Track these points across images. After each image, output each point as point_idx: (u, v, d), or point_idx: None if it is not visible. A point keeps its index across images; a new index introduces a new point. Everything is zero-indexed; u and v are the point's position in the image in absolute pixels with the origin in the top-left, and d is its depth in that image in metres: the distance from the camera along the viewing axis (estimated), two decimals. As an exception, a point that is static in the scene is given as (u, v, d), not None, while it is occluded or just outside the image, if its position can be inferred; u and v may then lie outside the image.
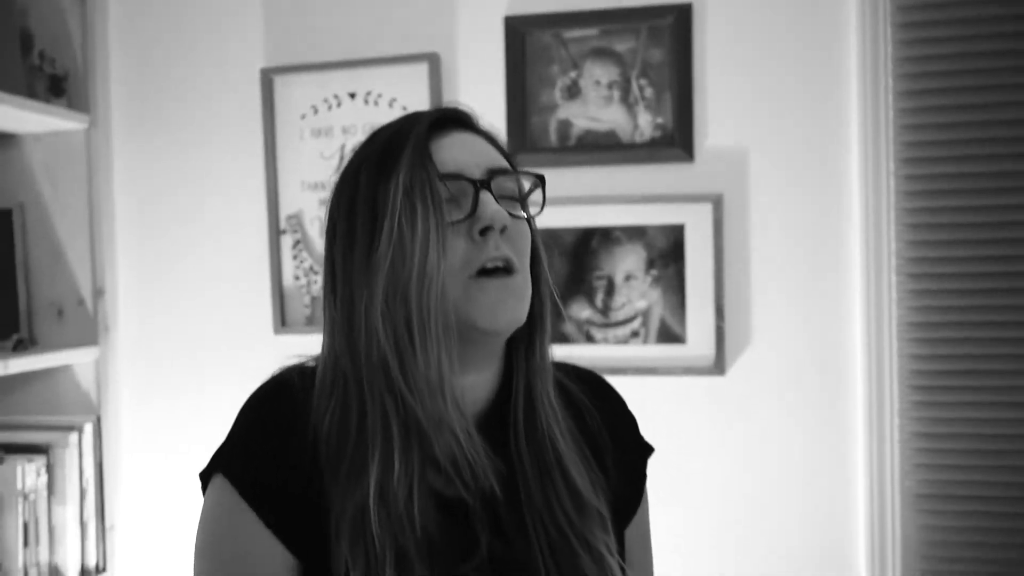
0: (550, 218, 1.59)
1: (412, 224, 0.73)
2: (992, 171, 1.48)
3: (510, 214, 0.77)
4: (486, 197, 0.75)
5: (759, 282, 1.56)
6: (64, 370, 1.74)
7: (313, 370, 0.81)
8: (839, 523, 1.53)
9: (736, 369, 1.56)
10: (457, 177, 0.76)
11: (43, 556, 1.61)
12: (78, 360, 1.70)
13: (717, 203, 1.54)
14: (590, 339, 1.60)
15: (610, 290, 1.59)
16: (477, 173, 0.77)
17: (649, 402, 1.58)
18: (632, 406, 1.57)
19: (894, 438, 1.49)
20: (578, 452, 0.85)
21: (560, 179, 1.61)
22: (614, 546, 0.83)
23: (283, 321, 1.70)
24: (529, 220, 0.83)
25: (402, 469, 0.73)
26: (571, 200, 1.59)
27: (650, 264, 1.58)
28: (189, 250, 1.77)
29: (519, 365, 0.83)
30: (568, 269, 1.60)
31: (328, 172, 1.67)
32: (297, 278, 1.70)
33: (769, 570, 1.55)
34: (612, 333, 1.59)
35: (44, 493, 1.62)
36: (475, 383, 0.81)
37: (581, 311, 1.60)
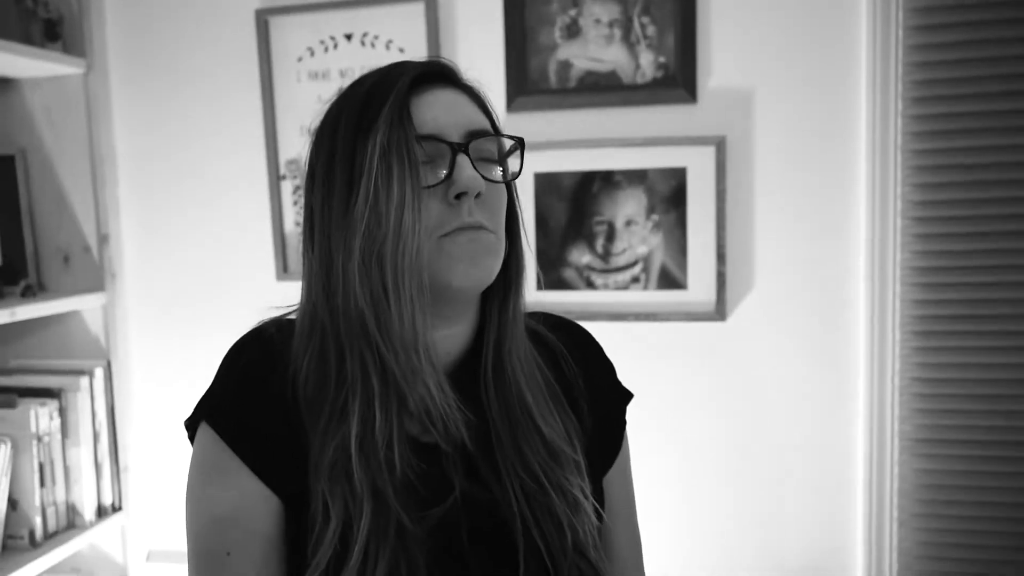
0: (550, 162, 1.57)
1: (388, 186, 0.73)
2: (1002, 110, 1.43)
3: (486, 178, 0.78)
4: (463, 161, 0.76)
5: (762, 227, 1.53)
6: (73, 315, 1.77)
7: (291, 322, 0.83)
8: (838, 468, 1.54)
9: (737, 315, 1.55)
10: (435, 139, 0.76)
11: (60, 496, 1.67)
12: (85, 306, 1.73)
13: (720, 146, 1.51)
14: (590, 285, 1.59)
15: (611, 235, 1.58)
16: (455, 135, 0.77)
17: (649, 348, 1.59)
18: (632, 352, 1.58)
19: (895, 383, 1.48)
20: (553, 400, 0.87)
21: (560, 122, 1.58)
22: (588, 490, 0.84)
23: (285, 268, 1.71)
24: (507, 182, 0.83)
25: (383, 418, 0.76)
26: (571, 143, 1.56)
27: (651, 209, 1.56)
28: (191, 197, 1.77)
29: (491, 320, 0.85)
30: (568, 214, 1.58)
31: (326, 116, 1.65)
32: (298, 224, 1.70)
33: (767, 515, 1.57)
34: (612, 279, 1.58)
35: (58, 436, 1.66)
36: (448, 335, 0.83)
37: (581, 257, 1.59)
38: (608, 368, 0.98)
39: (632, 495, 1.00)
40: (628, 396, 0.99)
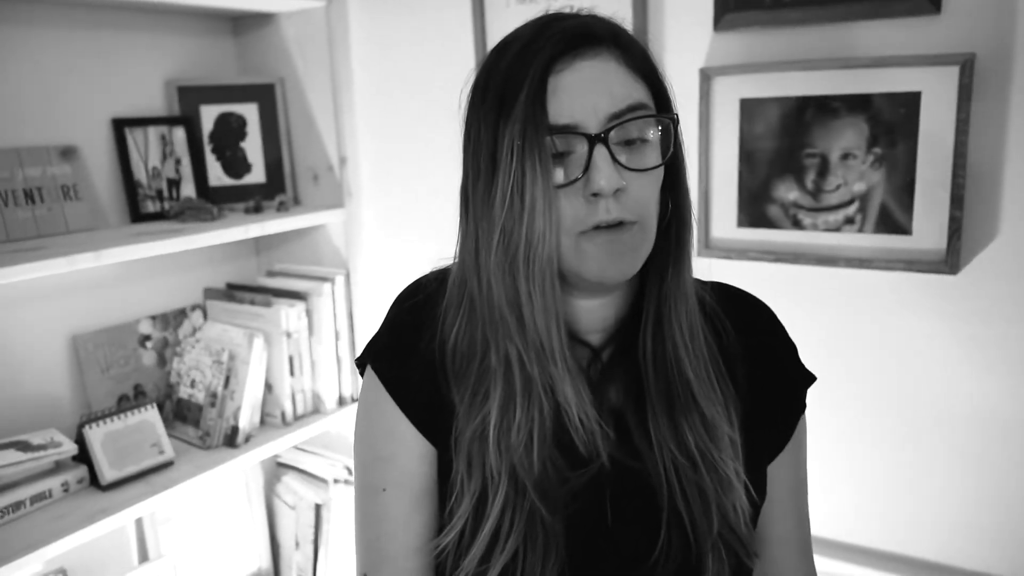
0: (758, 87, 1.42)
1: (521, 189, 0.72)
2: None
3: (629, 168, 0.73)
4: (599, 156, 0.72)
5: (1015, 164, 1.26)
6: (321, 228, 1.99)
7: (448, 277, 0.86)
8: (1088, 458, 1.28)
9: (973, 268, 1.32)
10: (570, 131, 0.72)
11: (307, 385, 1.93)
12: (328, 220, 1.93)
13: (966, 65, 1.25)
14: (797, 224, 1.44)
15: (823, 170, 1.40)
16: (594, 122, 0.73)
17: (861, 299, 1.42)
18: (840, 302, 1.44)
19: None
20: (715, 371, 0.83)
21: (772, 41, 1.41)
22: (742, 471, 0.81)
23: (492, 192, 1.76)
24: (658, 165, 0.77)
25: (523, 417, 0.77)
26: (783, 65, 1.39)
27: (873, 140, 1.35)
28: (415, 123, 1.86)
29: (651, 289, 0.82)
30: (776, 145, 1.43)
31: (532, 40, 1.63)
32: (505, 149, 1.72)
33: (1000, 499, 1.36)
34: (823, 219, 1.42)
35: (305, 333, 1.91)
36: (604, 304, 0.83)
37: (788, 192, 1.44)
38: (787, 347, 0.92)
39: (803, 481, 0.93)
40: (809, 379, 0.91)
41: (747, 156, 1.46)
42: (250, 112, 1.94)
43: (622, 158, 0.73)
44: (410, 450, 0.83)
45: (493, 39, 1.68)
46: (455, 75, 1.76)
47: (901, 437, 1.42)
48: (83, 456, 1.60)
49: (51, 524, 1.47)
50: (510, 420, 0.77)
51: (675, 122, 0.77)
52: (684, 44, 1.48)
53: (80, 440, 1.61)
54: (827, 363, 1.45)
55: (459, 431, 0.80)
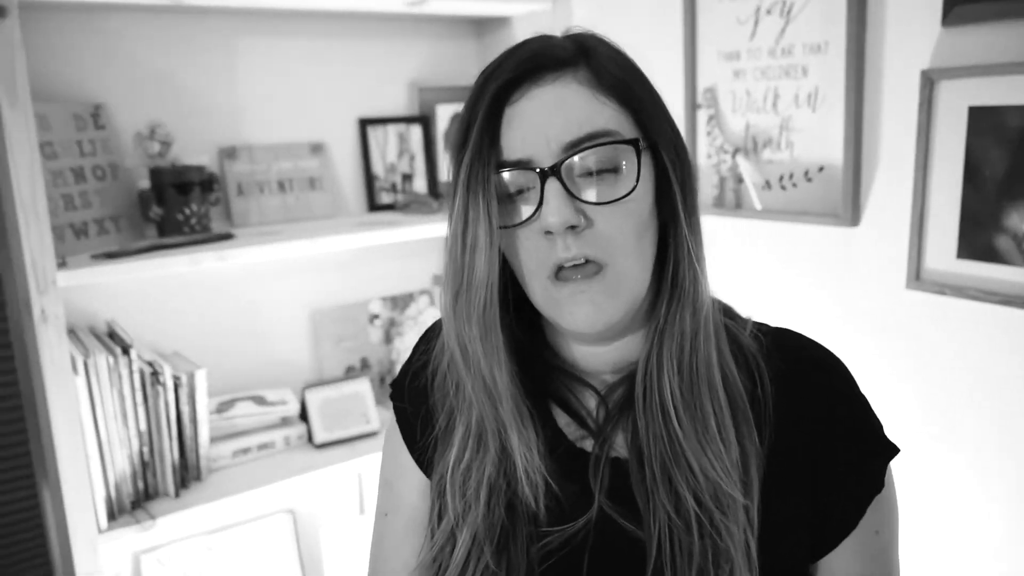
0: (991, 93, 1.19)
1: (464, 228, 0.69)
2: None
3: (587, 202, 0.67)
4: (550, 192, 0.66)
5: None
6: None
7: None
8: None
9: None
10: (522, 166, 0.68)
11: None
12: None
13: None
14: (1031, 260, 1.18)
15: (1070, 196, 1.13)
16: (547, 155, 0.67)
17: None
18: None
19: None
20: (740, 428, 0.73)
21: (1013, 37, 1.16)
22: (753, 543, 0.71)
23: (692, 200, 1.66)
24: (622, 197, 0.68)
25: (475, 462, 0.76)
26: (1021, 67, 1.14)
27: None
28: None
29: (650, 332, 0.75)
30: (1010, 164, 1.18)
31: (743, 39, 1.51)
32: (709, 156, 1.62)
33: None
34: (1065, 256, 1.14)
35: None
36: (612, 349, 0.78)
37: (1023, 222, 1.18)
38: (858, 410, 0.76)
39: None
40: (889, 451, 0.76)
41: (973, 175, 1.22)
42: (481, 112, 2.03)
43: (585, 191, 0.67)
44: (408, 480, 0.85)
45: (703, 36, 1.59)
46: (661, 75, 1.70)
47: None
48: (305, 416, 1.83)
49: (269, 471, 1.70)
50: (467, 463, 0.74)
51: (640, 147, 0.68)
52: (905, 41, 1.28)
53: (303, 402, 1.83)
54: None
55: (434, 467, 0.80)
